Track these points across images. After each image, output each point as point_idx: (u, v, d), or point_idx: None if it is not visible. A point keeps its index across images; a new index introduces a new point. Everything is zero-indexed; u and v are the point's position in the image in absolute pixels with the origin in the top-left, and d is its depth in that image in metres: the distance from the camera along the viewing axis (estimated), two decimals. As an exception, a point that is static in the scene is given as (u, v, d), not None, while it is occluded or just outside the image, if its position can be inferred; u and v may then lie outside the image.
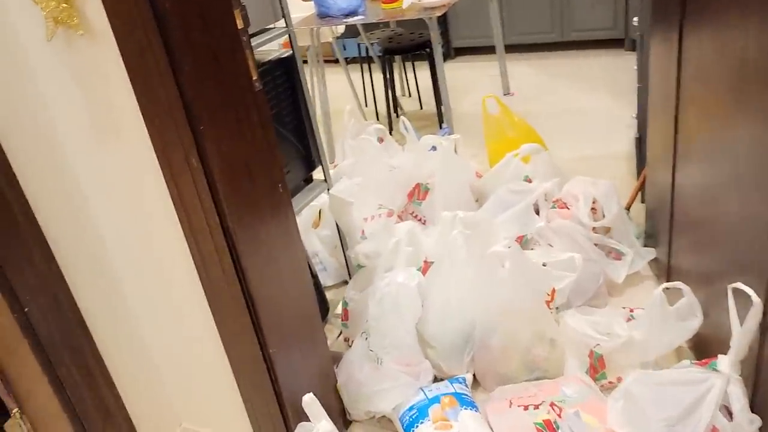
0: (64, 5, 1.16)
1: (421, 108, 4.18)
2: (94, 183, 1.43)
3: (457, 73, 4.76)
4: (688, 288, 1.67)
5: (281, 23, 1.71)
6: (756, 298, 1.28)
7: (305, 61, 3.94)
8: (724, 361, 1.37)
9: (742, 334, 1.33)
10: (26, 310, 1.31)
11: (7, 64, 1.28)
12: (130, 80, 1.21)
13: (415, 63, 4.19)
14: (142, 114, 1.24)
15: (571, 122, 3.54)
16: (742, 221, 1.40)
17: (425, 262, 1.94)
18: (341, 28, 3.87)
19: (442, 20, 4.92)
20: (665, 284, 1.65)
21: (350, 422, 1.81)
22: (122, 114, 1.28)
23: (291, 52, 1.75)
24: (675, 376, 1.44)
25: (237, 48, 1.29)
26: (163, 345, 1.63)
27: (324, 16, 3.24)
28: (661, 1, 1.90)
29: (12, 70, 1.29)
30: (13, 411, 1.47)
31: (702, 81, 1.60)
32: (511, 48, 4.80)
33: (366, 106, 4.33)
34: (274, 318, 1.45)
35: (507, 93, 4.06)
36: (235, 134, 1.29)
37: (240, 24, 1.30)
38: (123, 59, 1.19)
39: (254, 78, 1.35)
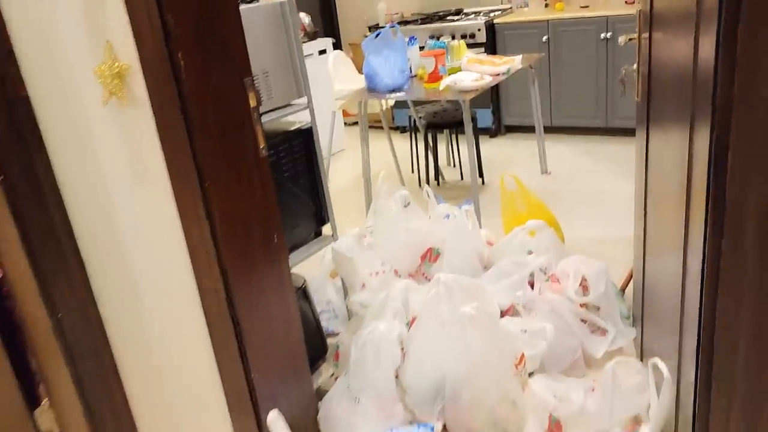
0: (116, 81, 1.51)
1: (462, 178, 4.44)
2: (130, 218, 1.75)
3: (503, 148, 5.01)
4: (640, 364, 1.82)
5: (303, 100, 2.04)
6: (666, 373, 1.44)
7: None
8: (644, 431, 1.52)
9: (658, 405, 1.48)
10: (59, 316, 1.63)
11: (73, 120, 1.64)
12: (161, 142, 1.53)
13: (460, 135, 4.48)
14: (168, 169, 1.56)
15: (597, 204, 3.70)
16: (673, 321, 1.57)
17: (413, 317, 2.16)
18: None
19: (495, 98, 5.21)
20: (617, 359, 1.81)
21: (328, 453, 2.02)
22: (154, 167, 1.60)
23: (309, 125, 2.06)
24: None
25: (246, 122, 1.61)
26: (172, 359, 1.91)
27: (372, 90, 3.60)
28: (642, 102, 2.11)
29: (76, 125, 1.65)
30: (44, 400, 1.78)
31: (655, 188, 1.79)
32: (558, 129, 5.03)
33: (412, 172, 4.63)
34: (258, 348, 1.71)
35: (544, 172, 4.26)
36: (235, 192, 1.59)
37: (253, 103, 1.62)
38: (156, 126, 1.52)
39: (261, 146, 1.66)
